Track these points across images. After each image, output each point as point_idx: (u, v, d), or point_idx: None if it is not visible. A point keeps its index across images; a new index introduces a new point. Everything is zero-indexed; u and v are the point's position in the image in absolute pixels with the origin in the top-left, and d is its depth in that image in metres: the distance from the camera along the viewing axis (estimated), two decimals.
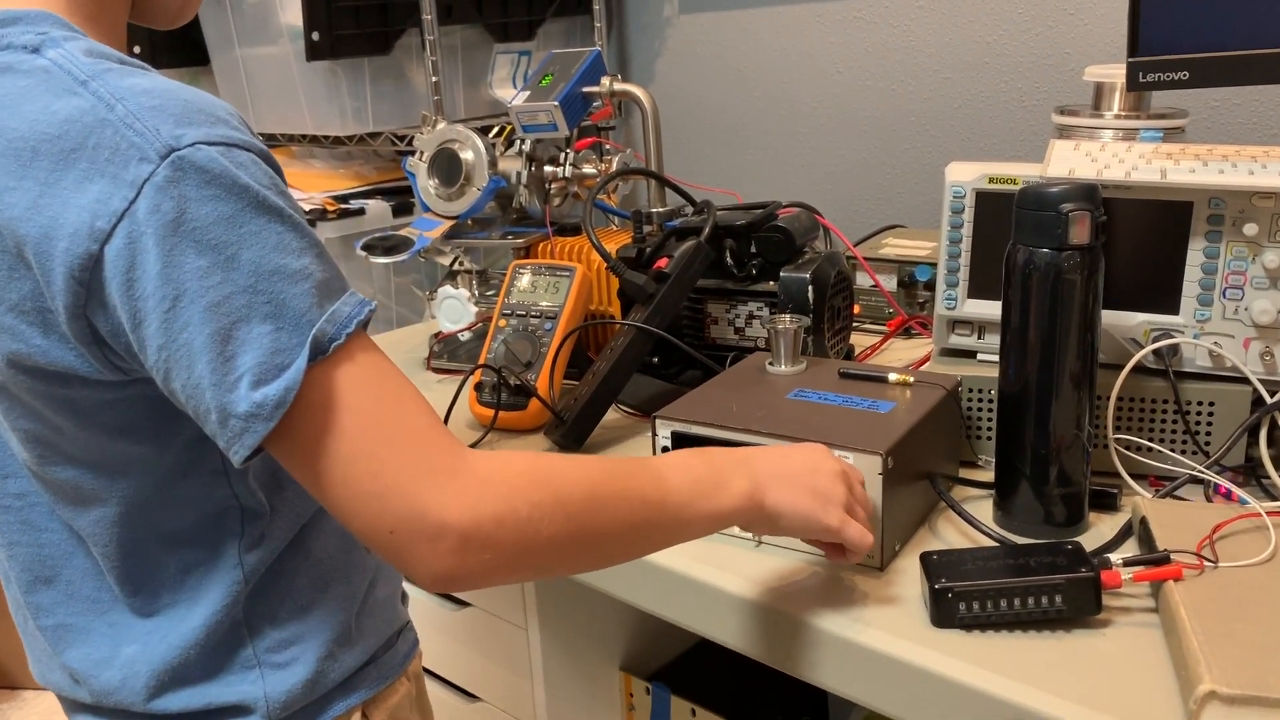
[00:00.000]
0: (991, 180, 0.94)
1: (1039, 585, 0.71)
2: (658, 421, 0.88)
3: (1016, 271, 0.81)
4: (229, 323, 0.59)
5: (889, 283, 1.38)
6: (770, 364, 0.97)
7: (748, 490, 0.69)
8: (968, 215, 0.95)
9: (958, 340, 0.99)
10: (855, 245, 1.37)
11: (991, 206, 0.94)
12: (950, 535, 0.86)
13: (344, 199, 1.67)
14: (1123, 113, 1.22)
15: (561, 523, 0.61)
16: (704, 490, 0.68)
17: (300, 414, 0.60)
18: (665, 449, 0.88)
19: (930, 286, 1.35)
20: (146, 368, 0.62)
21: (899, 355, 1.27)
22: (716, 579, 0.82)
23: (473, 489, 0.60)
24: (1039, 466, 0.82)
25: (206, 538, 0.71)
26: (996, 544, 0.79)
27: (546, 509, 0.61)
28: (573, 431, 1.03)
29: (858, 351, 1.23)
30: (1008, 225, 0.80)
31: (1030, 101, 1.45)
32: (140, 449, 0.68)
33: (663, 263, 1.09)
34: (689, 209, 1.27)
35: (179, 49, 1.80)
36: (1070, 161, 0.90)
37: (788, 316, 0.96)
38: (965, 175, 0.95)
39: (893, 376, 0.91)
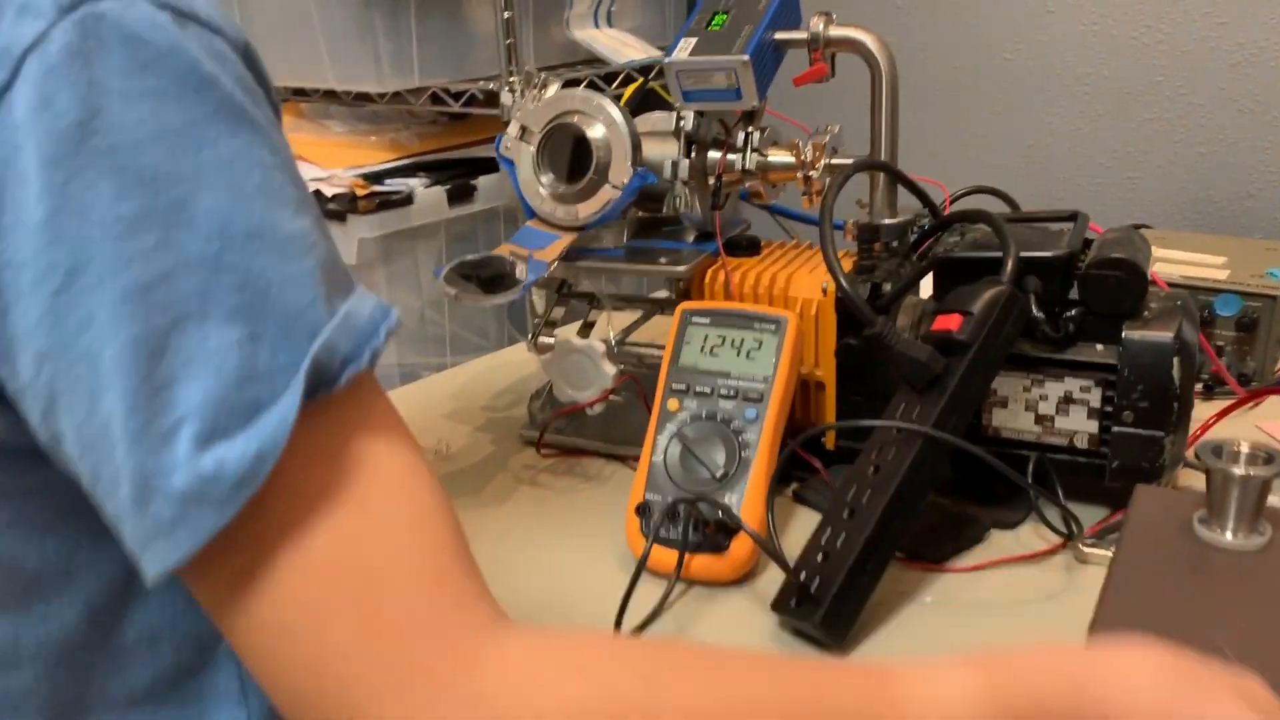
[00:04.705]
0: None
1: None
2: None
3: None
4: (166, 321, 0.36)
5: None
6: (1204, 524, 0.56)
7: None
8: None
9: None
10: None
11: None
12: None
13: (377, 178, 1.23)
14: None
15: None
16: None
17: (271, 499, 0.37)
18: None
19: (1245, 326, 0.95)
20: (12, 391, 0.38)
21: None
22: None
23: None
24: None
25: (190, 685, 0.49)
26: None
27: None
28: (835, 618, 0.63)
29: None
30: None
31: None
32: (80, 557, 0.45)
33: (950, 321, 0.68)
34: (926, 218, 0.85)
35: None
36: None
37: (1244, 450, 0.56)
38: None
39: None
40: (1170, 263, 1.02)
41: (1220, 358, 0.97)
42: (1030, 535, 0.75)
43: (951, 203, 1.13)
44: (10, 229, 0.36)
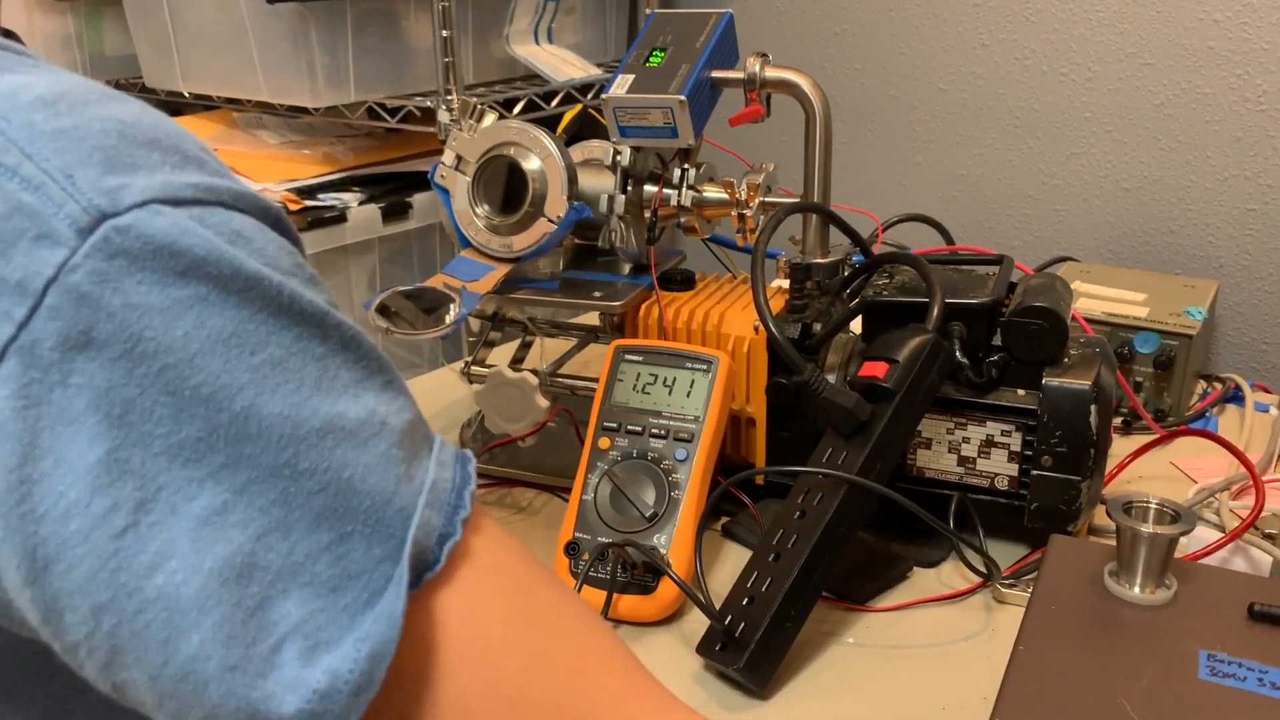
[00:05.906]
0: None
1: None
2: None
3: None
4: (248, 540, 0.34)
5: None
6: (1116, 578, 0.58)
7: None
8: None
9: None
10: None
11: None
12: None
13: (309, 192, 1.21)
14: None
15: None
16: None
17: (395, 693, 0.36)
18: None
19: (1162, 364, 0.98)
20: (60, 649, 0.35)
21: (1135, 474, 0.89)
22: None
23: None
24: None
25: None
26: None
27: None
28: (758, 664, 0.63)
29: None
30: None
31: (1275, 105, 1.08)
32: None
33: (876, 368, 0.69)
34: (855, 255, 0.87)
35: None
36: None
37: (1152, 506, 0.57)
38: None
39: None
40: (1093, 298, 1.05)
41: (1138, 394, 1.00)
42: (951, 573, 0.77)
43: (884, 230, 1.15)
44: (47, 476, 0.33)
